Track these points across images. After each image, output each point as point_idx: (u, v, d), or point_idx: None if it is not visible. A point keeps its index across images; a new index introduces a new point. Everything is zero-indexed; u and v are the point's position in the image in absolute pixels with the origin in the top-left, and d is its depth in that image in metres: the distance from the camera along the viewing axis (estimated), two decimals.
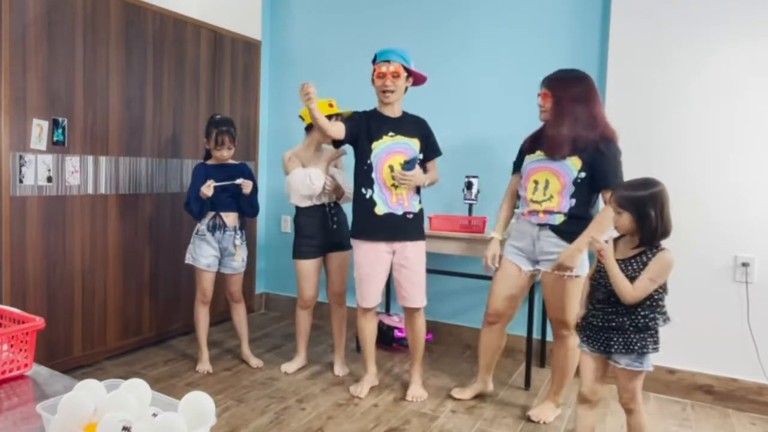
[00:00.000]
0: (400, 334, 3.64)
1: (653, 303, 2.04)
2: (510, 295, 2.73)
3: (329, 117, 2.93)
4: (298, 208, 3.22)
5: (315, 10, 4.30)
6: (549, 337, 3.45)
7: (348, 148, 2.99)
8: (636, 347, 2.03)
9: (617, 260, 2.05)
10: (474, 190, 3.46)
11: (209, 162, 3.24)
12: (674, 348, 3.08)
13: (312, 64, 4.33)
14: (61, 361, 3.04)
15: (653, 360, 2.10)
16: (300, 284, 3.23)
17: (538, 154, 2.64)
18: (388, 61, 2.76)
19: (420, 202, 2.92)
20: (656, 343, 2.05)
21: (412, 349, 3.01)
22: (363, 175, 2.83)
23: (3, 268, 2.80)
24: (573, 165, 2.54)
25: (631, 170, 3.14)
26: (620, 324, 2.05)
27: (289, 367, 3.29)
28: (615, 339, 2.06)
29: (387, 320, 3.73)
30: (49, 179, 2.97)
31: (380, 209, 2.81)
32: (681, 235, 3.04)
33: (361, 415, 2.76)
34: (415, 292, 2.87)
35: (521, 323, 3.23)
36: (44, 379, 1.34)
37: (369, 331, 2.99)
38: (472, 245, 3.32)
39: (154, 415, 1.00)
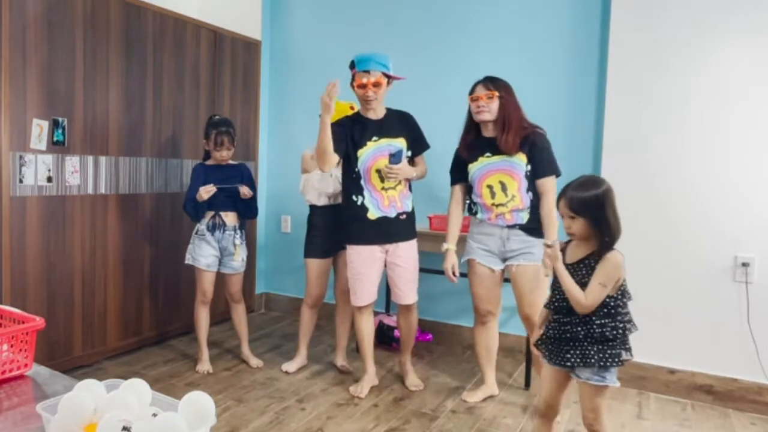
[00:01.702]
0: (400, 335, 3.63)
1: (609, 311, 1.86)
2: (491, 294, 2.84)
3: None
4: (312, 208, 3.23)
5: (315, 10, 4.30)
6: None
7: None
8: (593, 360, 1.85)
9: (566, 265, 1.91)
10: None
11: (208, 162, 3.24)
12: (674, 348, 3.09)
13: (312, 64, 4.33)
14: (61, 361, 3.04)
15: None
16: (309, 282, 3.26)
17: (482, 159, 2.74)
18: (368, 71, 2.74)
19: (411, 200, 2.97)
20: (618, 356, 1.86)
21: (405, 342, 3.10)
22: (352, 183, 2.86)
23: (3, 268, 2.80)
24: (520, 160, 2.68)
25: (631, 170, 3.15)
26: (575, 335, 1.89)
27: (289, 366, 3.29)
28: (571, 351, 1.90)
29: (387, 320, 3.73)
30: (49, 179, 2.97)
31: (373, 214, 2.85)
32: (681, 235, 3.06)
33: (361, 415, 2.76)
34: (408, 289, 2.95)
35: (522, 323, 3.22)
36: (44, 379, 1.34)
37: (367, 329, 3.00)
38: None
39: (154, 415, 1.00)
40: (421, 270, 3.78)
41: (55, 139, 2.97)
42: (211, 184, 3.06)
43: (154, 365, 3.33)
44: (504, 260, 2.79)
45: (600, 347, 1.86)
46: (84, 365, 3.21)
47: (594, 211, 1.84)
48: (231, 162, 3.26)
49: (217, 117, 3.27)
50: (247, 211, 3.27)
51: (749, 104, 2.90)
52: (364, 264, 2.88)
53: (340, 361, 3.32)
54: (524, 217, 2.71)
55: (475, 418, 2.74)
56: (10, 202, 2.81)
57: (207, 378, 3.17)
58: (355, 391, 2.97)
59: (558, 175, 2.72)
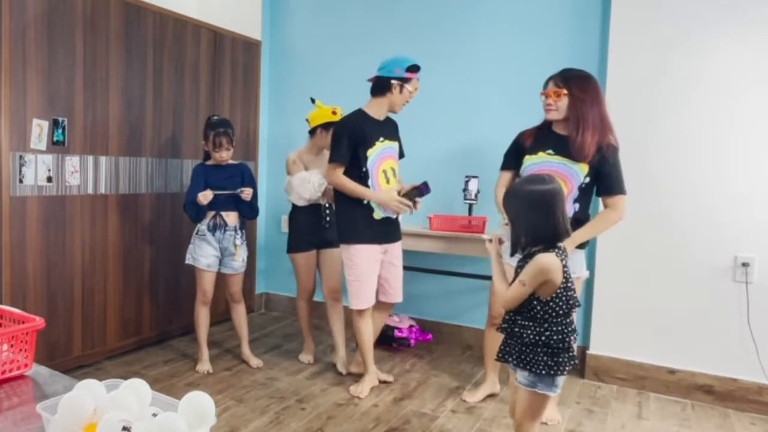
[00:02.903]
0: (400, 334, 3.64)
1: (534, 315, 1.79)
2: None
3: (331, 124, 3.10)
4: (294, 206, 3.34)
5: (315, 10, 4.30)
6: None
7: None
8: (527, 359, 1.79)
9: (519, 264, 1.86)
10: (474, 190, 3.46)
11: (208, 163, 3.24)
12: (674, 348, 3.09)
13: (312, 64, 4.33)
14: (61, 361, 3.04)
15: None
16: (299, 277, 3.38)
17: (542, 155, 2.52)
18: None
19: None
20: (549, 367, 1.75)
21: (375, 335, 3.13)
22: (359, 182, 2.85)
23: (3, 268, 2.80)
24: (581, 170, 2.46)
25: (631, 170, 3.14)
26: (512, 331, 1.84)
27: (305, 357, 3.44)
28: (511, 348, 1.86)
29: (387, 320, 3.72)
30: (49, 179, 2.97)
31: (378, 214, 2.89)
32: (681, 235, 3.06)
33: (361, 415, 2.76)
34: (399, 287, 3.05)
35: None
36: (44, 379, 1.34)
37: (368, 332, 2.99)
38: (472, 245, 3.32)
39: (154, 415, 1.00)
40: (422, 270, 3.80)
41: (55, 139, 2.97)
42: (209, 191, 3.07)
43: (154, 365, 3.33)
44: None
45: (534, 349, 1.78)
46: (84, 365, 3.21)
47: (516, 206, 1.82)
48: (231, 162, 3.26)
49: (215, 118, 3.27)
50: (248, 211, 3.27)
51: (749, 104, 2.90)
52: (371, 266, 2.89)
53: (344, 368, 3.29)
54: None
55: (475, 418, 2.74)
56: (10, 202, 2.81)
57: (207, 378, 3.17)
58: (356, 391, 2.96)
59: (625, 194, 2.53)
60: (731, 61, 2.92)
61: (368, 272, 2.88)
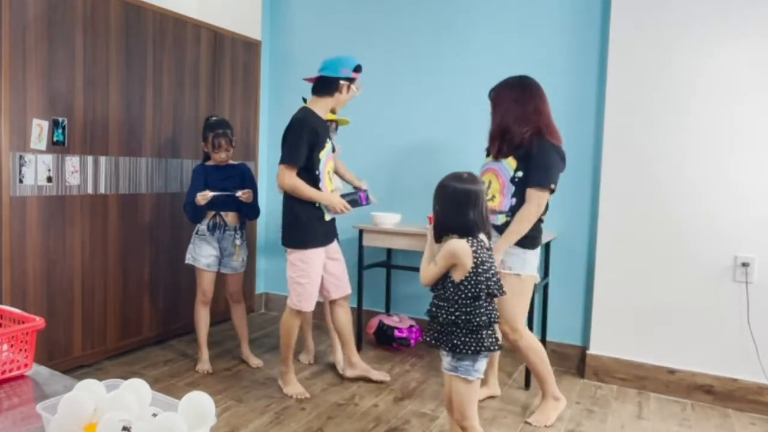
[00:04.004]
0: (400, 334, 3.64)
1: (446, 295, 1.94)
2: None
3: (328, 122, 3.08)
4: None
5: (315, 10, 4.30)
6: (549, 338, 3.45)
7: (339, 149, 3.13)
8: (443, 339, 1.95)
9: None
10: None
11: (208, 163, 3.24)
12: (674, 348, 3.09)
13: (312, 64, 4.30)
14: (61, 361, 3.04)
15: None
16: None
17: (486, 159, 2.78)
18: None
19: None
20: (455, 346, 1.91)
21: (348, 336, 3.08)
22: (312, 184, 2.82)
23: (3, 268, 2.80)
24: (509, 165, 2.62)
25: (631, 170, 3.15)
26: (432, 313, 2.01)
27: (305, 357, 3.44)
28: (432, 330, 2.01)
29: (387, 320, 3.73)
30: (49, 179, 2.97)
31: (327, 215, 2.90)
32: (681, 235, 3.06)
33: (361, 415, 2.76)
34: (347, 278, 3.06)
35: None
36: (44, 379, 1.34)
37: (296, 333, 2.97)
38: None
39: (154, 415, 1.00)
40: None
41: (55, 139, 2.97)
42: (208, 191, 3.06)
43: (154, 365, 3.33)
44: None
45: (451, 329, 1.94)
46: (84, 365, 3.21)
47: (439, 198, 2.00)
48: (231, 162, 3.26)
49: (213, 118, 3.26)
50: (249, 212, 3.27)
51: (749, 104, 2.90)
52: (319, 267, 2.90)
53: (350, 366, 3.29)
54: (500, 219, 2.62)
55: None
56: (10, 202, 2.81)
57: (207, 378, 3.17)
58: (292, 392, 2.95)
59: (545, 187, 2.55)
60: (732, 60, 2.92)
61: (317, 275, 2.90)
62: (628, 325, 3.18)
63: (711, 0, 2.95)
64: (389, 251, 3.93)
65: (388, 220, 3.59)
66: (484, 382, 3.02)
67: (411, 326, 3.71)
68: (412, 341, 3.66)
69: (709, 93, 2.98)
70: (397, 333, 3.66)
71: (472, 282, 1.92)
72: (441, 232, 1.99)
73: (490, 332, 1.95)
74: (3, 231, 2.79)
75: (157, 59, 3.52)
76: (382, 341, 3.69)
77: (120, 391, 1.03)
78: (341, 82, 2.85)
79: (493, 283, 1.94)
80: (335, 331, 3.17)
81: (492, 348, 1.94)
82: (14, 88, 2.78)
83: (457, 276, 1.93)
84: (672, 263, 3.07)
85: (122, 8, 3.27)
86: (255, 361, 3.36)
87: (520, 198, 2.61)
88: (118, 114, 3.30)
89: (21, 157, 2.84)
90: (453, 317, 1.93)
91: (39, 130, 2.90)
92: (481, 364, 1.96)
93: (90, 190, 3.18)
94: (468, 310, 1.92)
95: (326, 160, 2.86)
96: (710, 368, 3.01)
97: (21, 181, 2.85)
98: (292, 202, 2.84)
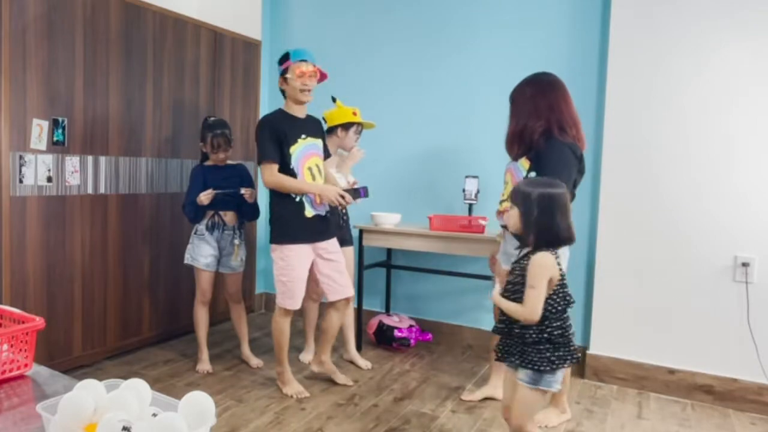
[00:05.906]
0: (400, 334, 3.64)
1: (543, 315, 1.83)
2: None
3: (351, 124, 3.15)
4: None
5: (315, 10, 4.30)
6: None
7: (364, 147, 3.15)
8: (530, 358, 1.83)
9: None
10: (474, 190, 3.46)
11: (207, 163, 3.24)
12: (674, 348, 3.09)
13: None
14: (61, 361, 3.04)
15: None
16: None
17: (509, 160, 2.74)
18: (305, 61, 2.80)
19: None
20: (551, 362, 1.82)
21: (331, 337, 3.02)
22: None
23: (3, 268, 2.80)
24: (522, 166, 2.60)
25: (631, 170, 3.15)
26: (511, 332, 1.89)
27: (306, 357, 3.41)
28: (512, 348, 1.90)
29: (387, 320, 3.73)
30: (49, 179, 2.97)
31: (309, 212, 2.84)
32: (681, 235, 3.06)
33: (361, 415, 2.76)
34: (345, 281, 2.95)
35: None
36: (44, 379, 1.34)
37: (288, 331, 2.94)
38: (472, 245, 3.33)
39: (154, 415, 1.00)
40: (422, 270, 3.81)
41: (55, 139, 2.97)
42: (211, 189, 3.06)
43: (154, 365, 3.33)
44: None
45: (538, 347, 1.83)
46: (84, 365, 3.21)
47: (526, 204, 1.85)
48: (230, 162, 3.26)
49: (212, 119, 3.26)
50: (250, 212, 3.27)
51: (749, 104, 2.90)
52: (302, 264, 2.86)
53: (362, 364, 3.32)
54: None
55: (475, 418, 2.74)
56: (10, 202, 2.81)
57: (207, 378, 3.17)
58: (291, 391, 2.94)
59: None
60: (732, 60, 2.92)
61: (301, 272, 2.86)
62: (628, 325, 3.18)
63: (711, 0, 2.95)
64: (389, 251, 3.93)
65: (388, 220, 3.59)
66: (483, 381, 3.03)
67: (411, 326, 3.71)
68: (412, 341, 3.66)
69: (709, 93, 2.98)
70: (397, 333, 3.66)
71: (560, 294, 1.84)
72: (530, 244, 1.86)
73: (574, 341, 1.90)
74: (3, 231, 2.79)
75: (157, 59, 3.52)
76: (382, 341, 3.69)
77: (120, 391, 1.03)
78: (280, 78, 2.86)
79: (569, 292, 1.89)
80: (321, 329, 3.07)
81: (577, 355, 1.88)
82: (14, 88, 2.78)
83: (547, 291, 1.83)
84: (672, 263, 3.07)
85: (122, 8, 3.27)
86: (255, 361, 3.36)
87: None
88: (118, 114, 3.30)
89: (21, 157, 2.84)
90: (545, 335, 1.82)
91: (39, 130, 2.90)
92: (562, 373, 1.89)
93: (90, 190, 3.18)
94: (560, 324, 1.83)
95: (301, 155, 2.82)
96: (710, 368, 3.01)
97: (21, 181, 2.85)
98: (272, 199, 2.88)
